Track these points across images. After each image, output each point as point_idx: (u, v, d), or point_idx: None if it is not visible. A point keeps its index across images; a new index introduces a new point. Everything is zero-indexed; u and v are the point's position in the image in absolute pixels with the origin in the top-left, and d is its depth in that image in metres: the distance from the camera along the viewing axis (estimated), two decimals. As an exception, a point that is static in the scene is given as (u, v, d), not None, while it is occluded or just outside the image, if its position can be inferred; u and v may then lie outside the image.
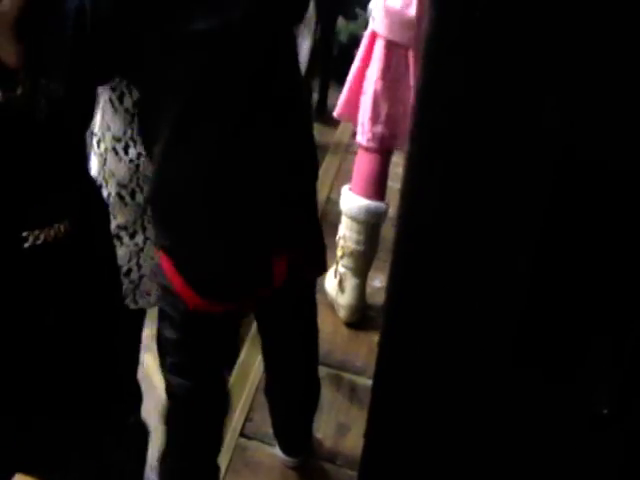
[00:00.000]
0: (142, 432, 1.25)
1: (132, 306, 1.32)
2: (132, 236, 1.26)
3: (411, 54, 1.64)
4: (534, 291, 0.64)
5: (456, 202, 0.63)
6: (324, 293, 1.94)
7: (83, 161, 1.07)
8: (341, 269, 1.91)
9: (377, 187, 1.82)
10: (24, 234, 0.89)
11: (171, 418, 1.20)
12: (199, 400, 1.20)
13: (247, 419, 1.61)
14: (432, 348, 0.71)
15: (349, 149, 2.82)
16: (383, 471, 0.84)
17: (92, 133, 1.24)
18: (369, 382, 0.76)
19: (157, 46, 0.92)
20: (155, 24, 0.90)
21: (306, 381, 1.41)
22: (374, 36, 1.69)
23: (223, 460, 1.49)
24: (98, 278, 1.06)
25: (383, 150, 1.78)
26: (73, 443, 1.09)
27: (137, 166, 1.22)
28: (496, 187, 0.61)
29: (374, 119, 1.72)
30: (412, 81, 1.65)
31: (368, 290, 1.95)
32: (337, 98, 1.89)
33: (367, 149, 1.79)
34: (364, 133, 1.76)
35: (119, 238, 1.25)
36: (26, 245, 0.90)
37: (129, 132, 1.19)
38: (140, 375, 1.31)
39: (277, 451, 1.52)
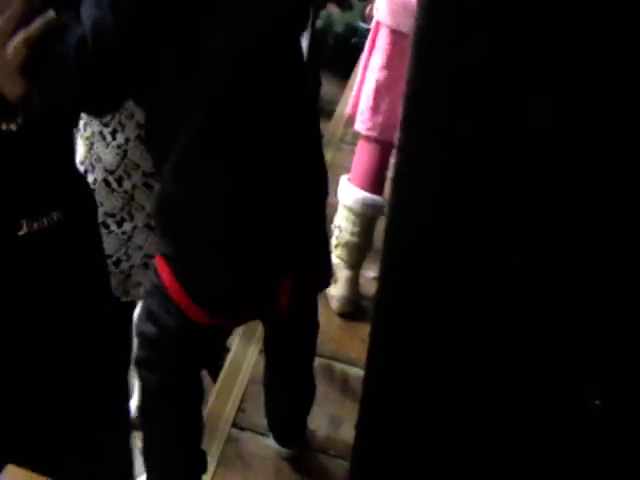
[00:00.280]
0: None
1: (123, 298, 1.31)
2: (119, 224, 1.24)
3: None
4: (526, 289, 0.64)
5: (448, 197, 0.63)
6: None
7: (72, 150, 1.06)
8: (334, 260, 1.90)
9: (376, 180, 1.82)
10: (20, 222, 0.90)
11: (145, 409, 1.19)
12: (169, 394, 1.18)
13: (239, 410, 1.61)
14: (423, 342, 0.71)
15: (343, 139, 2.81)
16: (375, 461, 0.84)
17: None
18: (362, 373, 0.76)
19: (173, 68, 0.91)
20: (164, 49, 0.88)
21: (304, 378, 1.42)
22: (378, 26, 1.68)
23: (215, 451, 1.49)
24: (87, 267, 1.05)
25: (383, 141, 1.76)
26: (65, 438, 1.09)
27: (125, 152, 1.19)
28: (487, 182, 0.61)
29: (375, 108, 1.71)
30: None
31: (361, 281, 1.94)
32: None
33: (367, 139, 1.78)
34: (364, 122, 1.75)
35: (106, 226, 1.23)
36: (21, 233, 0.90)
37: (117, 116, 1.16)
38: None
39: (270, 442, 1.52)
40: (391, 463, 0.82)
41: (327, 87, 3.38)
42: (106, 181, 1.22)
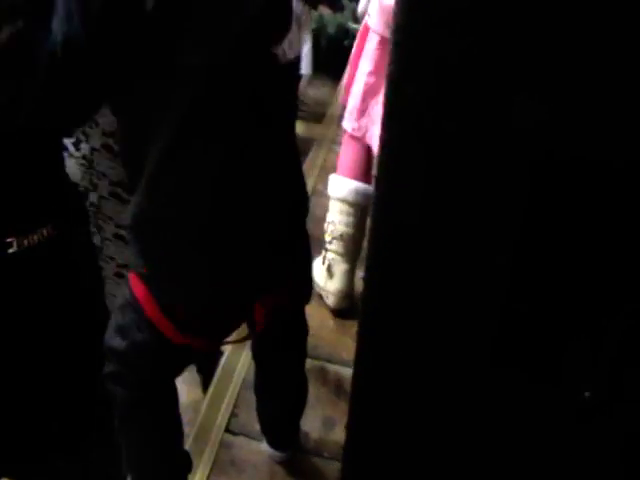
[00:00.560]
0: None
1: None
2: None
3: None
4: (513, 286, 0.63)
5: (432, 194, 0.62)
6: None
7: (61, 164, 1.04)
8: (330, 255, 1.90)
9: (364, 170, 1.83)
10: (8, 240, 0.88)
11: (119, 421, 1.17)
12: (141, 405, 1.15)
13: (232, 415, 1.59)
14: (411, 340, 0.71)
15: (335, 140, 2.80)
16: (366, 460, 0.83)
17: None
18: (355, 374, 0.75)
19: (146, 81, 0.89)
20: (138, 58, 0.86)
21: (295, 381, 1.41)
22: (367, 30, 1.68)
23: (208, 456, 1.48)
24: (80, 281, 1.04)
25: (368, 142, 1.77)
26: (57, 444, 1.08)
27: (90, 162, 1.15)
28: (472, 179, 0.60)
29: (362, 111, 1.71)
30: None
31: (356, 280, 1.93)
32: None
33: (352, 137, 1.78)
34: (351, 122, 1.75)
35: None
36: (10, 251, 0.88)
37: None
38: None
39: (264, 446, 1.50)
40: (381, 461, 0.81)
41: (319, 89, 3.38)
42: (114, 193, 1.20)
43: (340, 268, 1.89)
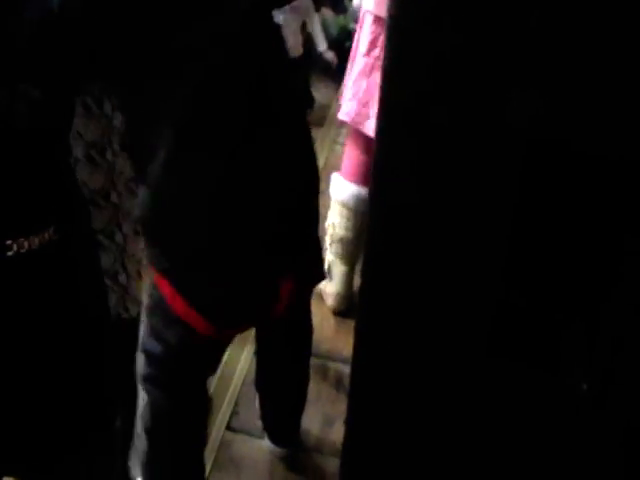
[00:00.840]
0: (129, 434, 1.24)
1: (124, 315, 1.28)
2: (111, 237, 1.22)
3: None
4: (507, 277, 0.64)
5: (427, 188, 0.62)
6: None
7: (66, 166, 1.04)
8: (329, 256, 1.90)
9: (367, 173, 1.80)
10: (7, 242, 0.87)
11: (150, 423, 1.18)
12: (176, 410, 1.16)
13: (233, 413, 1.60)
14: (408, 335, 0.71)
15: (336, 140, 2.81)
16: (365, 457, 0.83)
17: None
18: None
19: (149, 63, 0.88)
20: (137, 36, 0.86)
21: (298, 379, 1.41)
22: (363, 16, 1.68)
23: (209, 454, 1.48)
24: (83, 284, 1.04)
25: (371, 137, 1.75)
26: (60, 447, 1.08)
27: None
28: (465, 171, 0.60)
29: (354, 94, 1.70)
30: None
31: (355, 278, 1.93)
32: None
33: (355, 134, 1.76)
34: (341, 106, 1.74)
35: (99, 243, 1.21)
36: (9, 254, 0.87)
37: None
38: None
39: (265, 443, 1.50)
40: (380, 457, 0.81)
41: (320, 91, 3.38)
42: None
43: (339, 270, 1.90)
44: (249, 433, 1.55)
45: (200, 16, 0.87)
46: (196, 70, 0.89)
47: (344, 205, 1.82)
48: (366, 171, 1.79)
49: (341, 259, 1.89)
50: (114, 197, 1.19)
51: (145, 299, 1.12)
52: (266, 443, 1.50)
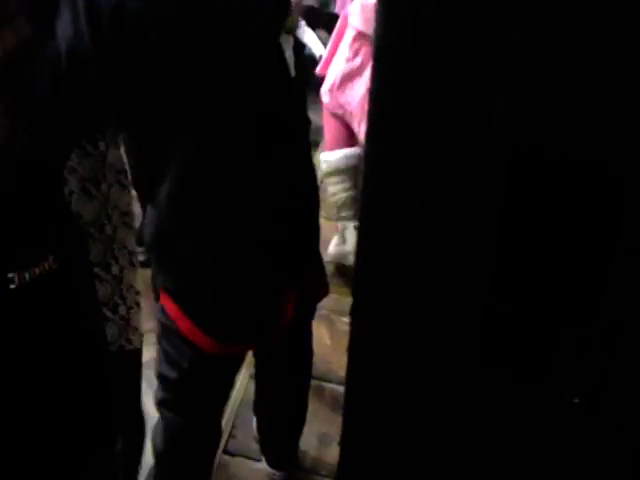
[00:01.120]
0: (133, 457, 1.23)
1: (127, 347, 1.28)
2: (108, 269, 1.22)
3: None
4: (497, 286, 0.64)
5: (418, 193, 0.63)
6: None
7: (61, 193, 1.04)
8: (340, 223, 2.05)
9: (348, 137, 1.96)
10: (10, 275, 0.87)
11: (163, 447, 1.17)
12: (189, 436, 1.17)
13: (230, 436, 1.59)
14: (401, 348, 0.71)
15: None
16: (360, 476, 0.83)
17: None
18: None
19: (160, 99, 0.87)
20: (147, 75, 0.84)
21: (298, 402, 1.41)
22: (346, 21, 1.83)
23: (206, 477, 1.47)
24: (82, 312, 1.04)
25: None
26: (59, 470, 1.07)
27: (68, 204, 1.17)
28: (453, 178, 0.61)
29: (341, 92, 1.86)
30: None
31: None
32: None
33: (332, 115, 1.93)
34: (331, 100, 1.89)
35: (96, 276, 1.21)
36: (12, 286, 0.87)
37: None
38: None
39: (261, 465, 1.50)
40: (375, 474, 0.81)
41: (317, 112, 3.37)
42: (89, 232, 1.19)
43: (352, 231, 2.02)
44: (246, 456, 1.54)
45: (220, 43, 0.85)
46: (214, 96, 0.88)
47: (338, 171, 1.97)
48: (347, 135, 1.96)
49: (351, 220, 2.02)
50: (108, 229, 1.19)
51: (156, 326, 1.13)
52: (263, 466, 1.49)
